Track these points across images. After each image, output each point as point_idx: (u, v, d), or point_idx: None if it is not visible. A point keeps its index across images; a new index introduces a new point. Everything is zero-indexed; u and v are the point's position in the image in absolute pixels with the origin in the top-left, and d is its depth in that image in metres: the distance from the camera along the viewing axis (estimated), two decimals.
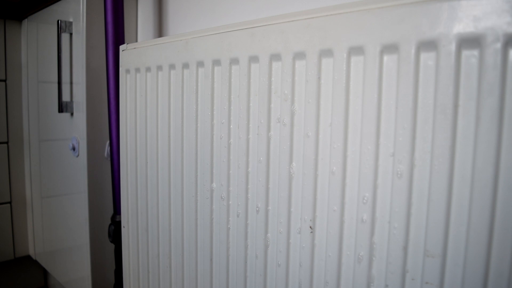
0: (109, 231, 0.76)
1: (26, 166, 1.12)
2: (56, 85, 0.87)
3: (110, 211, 0.85)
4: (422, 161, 0.33)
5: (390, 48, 0.34)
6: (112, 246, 0.83)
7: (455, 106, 0.31)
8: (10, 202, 1.10)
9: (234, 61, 0.47)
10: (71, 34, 0.84)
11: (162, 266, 0.61)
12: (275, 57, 0.42)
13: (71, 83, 0.86)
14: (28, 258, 1.16)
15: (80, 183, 0.84)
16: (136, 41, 0.88)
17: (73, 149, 0.85)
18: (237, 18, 0.65)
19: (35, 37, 1.01)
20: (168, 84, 0.56)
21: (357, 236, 0.37)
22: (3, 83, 1.06)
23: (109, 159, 0.84)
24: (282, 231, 0.44)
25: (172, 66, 0.55)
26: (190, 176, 0.54)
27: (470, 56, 0.30)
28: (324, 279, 0.40)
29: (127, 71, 0.65)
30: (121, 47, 0.66)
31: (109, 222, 0.78)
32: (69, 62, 0.85)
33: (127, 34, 0.85)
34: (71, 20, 0.83)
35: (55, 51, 0.86)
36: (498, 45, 0.28)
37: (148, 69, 0.60)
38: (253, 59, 0.45)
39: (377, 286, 0.36)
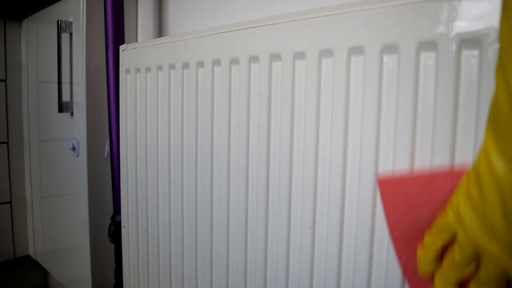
0: (109, 231, 0.76)
1: (26, 166, 1.12)
2: (56, 85, 0.87)
3: (110, 211, 0.85)
4: (422, 161, 0.33)
5: (390, 48, 0.34)
6: (112, 246, 0.83)
7: (455, 106, 0.31)
8: (10, 202, 1.10)
9: (234, 61, 0.47)
10: (71, 34, 0.84)
11: (162, 266, 0.61)
12: (275, 57, 0.42)
13: (71, 83, 0.86)
14: (28, 258, 1.16)
15: (80, 183, 0.84)
16: (136, 41, 0.88)
17: (73, 149, 0.85)
18: (237, 18, 0.65)
19: (35, 37, 1.01)
20: (168, 84, 0.56)
21: (357, 237, 0.37)
22: (3, 83, 1.06)
23: (109, 159, 0.84)
24: (282, 234, 0.44)
25: (172, 66, 0.55)
26: (190, 176, 0.54)
27: (470, 56, 0.30)
28: (324, 280, 0.40)
29: (127, 71, 0.65)
30: (121, 47, 0.66)
31: (109, 222, 0.78)
32: (69, 62, 0.85)
33: (127, 34, 0.85)
34: (71, 20, 0.83)
35: (55, 51, 0.86)
36: (498, 45, 0.28)
37: (148, 69, 0.60)
38: (253, 59, 0.45)
39: (377, 286, 0.36)
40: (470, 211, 0.26)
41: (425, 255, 0.30)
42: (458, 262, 0.28)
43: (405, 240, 0.32)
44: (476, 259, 0.27)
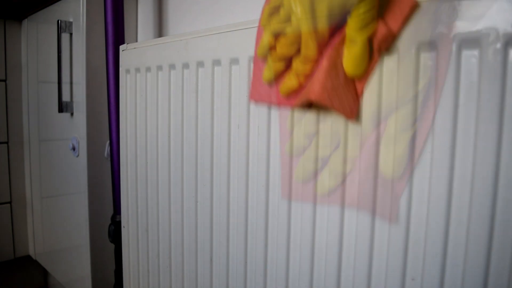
0: (109, 231, 0.76)
1: (26, 166, 1.12)
2: (56, 85, 0.87)
3: (110, 211, 0.85)
4: (423, 161, 0.33)
5: (390, 48, 0.34)
6: (112, 246, 0.83)
7: (455, 106, 0.31)
8: (10, 202, 1.10)
9: (234, 61, 0.47)
10: (71, 34, 0.84)
11: (162, 266, 0.61)
12: None
13: (71, 83, 0.86)
14: (28, 258, 1.16)
15: (80, 183, 0.84)
16: (136, 41, 0.88)
17: (73, 149, 0.85)
18: (237, 18, 0.65)
19: (35, 37, 1.01)
20: (168, 84, 0.56)
21: (357, 237, 0.37)
22: (3, 83, 1.06)
23: (109, 159, 0.84)
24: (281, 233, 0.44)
25: (172, 66, 0.55)
26: (190, 176, 0.54)
27: (470, 56, 0.30)
28: (324, 280, 0.40)
29: (127, 71, 0.65)
30: (121, 47, 0.66)
31: (109, 222, 0.78)
32: (69, 62, 0.85)
33: (127, 34, 0.85)
34: (71, 20, 0.83)
35: (55, 51, 0.86)
36: (498, 45, 0.28)
37: (148, 69, 0.60)
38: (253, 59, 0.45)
39: (377, 286, 0.36)
40: None
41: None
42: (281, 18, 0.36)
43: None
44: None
